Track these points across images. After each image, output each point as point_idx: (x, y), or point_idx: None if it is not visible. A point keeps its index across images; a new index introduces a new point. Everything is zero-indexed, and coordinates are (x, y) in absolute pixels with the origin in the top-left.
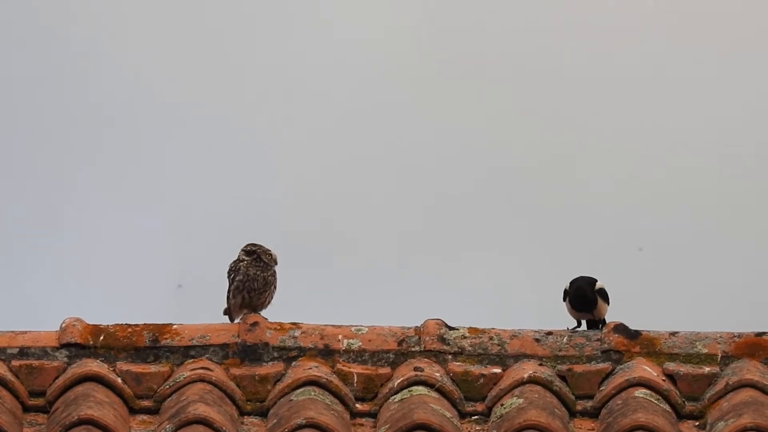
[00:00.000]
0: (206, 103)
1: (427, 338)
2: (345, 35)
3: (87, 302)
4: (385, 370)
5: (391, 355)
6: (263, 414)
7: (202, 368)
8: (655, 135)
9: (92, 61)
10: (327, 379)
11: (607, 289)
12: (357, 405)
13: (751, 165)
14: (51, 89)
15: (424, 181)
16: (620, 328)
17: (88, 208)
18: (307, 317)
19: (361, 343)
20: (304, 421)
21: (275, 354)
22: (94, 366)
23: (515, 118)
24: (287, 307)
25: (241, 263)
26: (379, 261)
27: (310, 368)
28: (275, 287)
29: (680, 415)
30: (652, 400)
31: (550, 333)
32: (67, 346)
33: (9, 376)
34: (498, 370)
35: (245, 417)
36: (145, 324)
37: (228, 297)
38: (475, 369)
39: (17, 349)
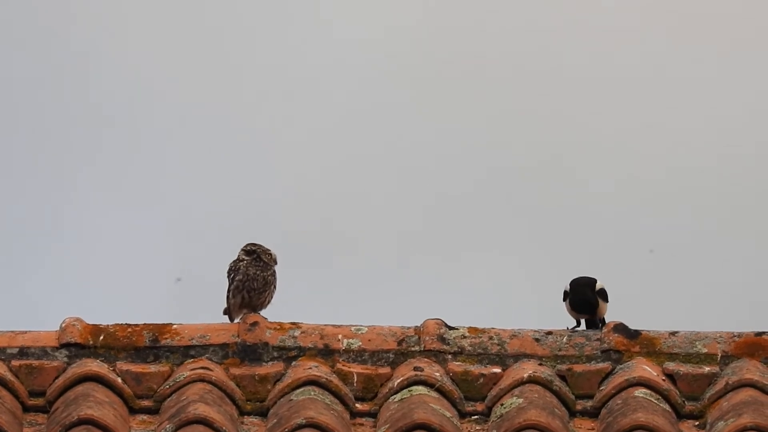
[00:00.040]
0: (206, 103)
1: (427, 338)
2: (345, 35)
3: (87, 302)
4: (384, 370)
5: (390, 355)
6: (263, 414)
7: (202, 368)
8: (655, 135)
9: (92, 61)
10: (327, 378)
11: (606, 289)
12: (357, 405)
13: (751, 165)
14: (51, 89)
15: (424, 181)
16: (620, 328)
17: (88, 208)
18: (307, 317)
19: (360, 343)
20: (304, 421)
21: (275, 354)
22: (94, 366)
23: (515, 118)
24: (287, 307)
25: (241, 263)
26: (379, 261)
27: (310, 368)
28: (275, 287)
29: (680, 415)
30: (652, 399)
31: (549, 333)
32: (67, 345)
33: (9, 376)
34: (498, 370)
35: (245, 417)
36: (144, 324)
37: (228, 297)
38: (475, 369)
39: (17, 349)
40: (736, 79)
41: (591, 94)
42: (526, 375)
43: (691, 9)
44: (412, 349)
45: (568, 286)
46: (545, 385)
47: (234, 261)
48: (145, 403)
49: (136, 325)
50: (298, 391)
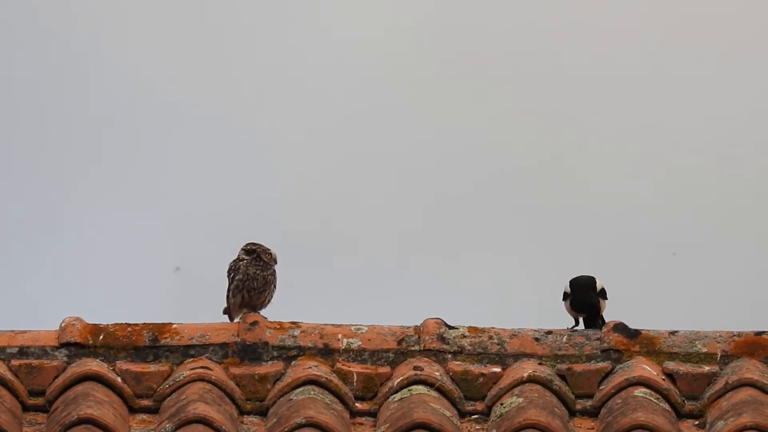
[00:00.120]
0: (206, 103)
1: (427, 337)
2: (345, 35)
3: (87, 302)
4: (384, 370)
5: (390, 355)
6: (263, 413)
7: (202, 367)
8: (655, 135)
9: (92, 61)
10: (327, 378)
11: (605, 287)
12: (357, 404)
13: (751, 165)
14: (51, 89)
15: (424, 181)
16: (620, 328)
17: (88, 208)
18: (307, 317)
19: (360, 343)
20: (303, 421)
21: (275, 353)
22: (94, 365)
23: (515, 118)
24: (287, 306)
25: (241, 262)
26: (379, 261)
27: (310, 367)
28: (275, 286)
29: (680, 414)
30: (652, 399)
31: (549, 332)
32: (66, 345)
33: (8, 375)
34: (498, 370)
35: (245, 416)
36: (144, 323)
37: (228, 296)
38: (475, 368)
39: (17, 349)
40: (736, 79)
41: (591, 94)
42: (525, 374)
43: (691, 9)
44: (412, 348)
45: (568, 286)
46: (545, 384)
47: (234, 260)
48: (145, 402)
49: (136, 325)
50: (298, 390)
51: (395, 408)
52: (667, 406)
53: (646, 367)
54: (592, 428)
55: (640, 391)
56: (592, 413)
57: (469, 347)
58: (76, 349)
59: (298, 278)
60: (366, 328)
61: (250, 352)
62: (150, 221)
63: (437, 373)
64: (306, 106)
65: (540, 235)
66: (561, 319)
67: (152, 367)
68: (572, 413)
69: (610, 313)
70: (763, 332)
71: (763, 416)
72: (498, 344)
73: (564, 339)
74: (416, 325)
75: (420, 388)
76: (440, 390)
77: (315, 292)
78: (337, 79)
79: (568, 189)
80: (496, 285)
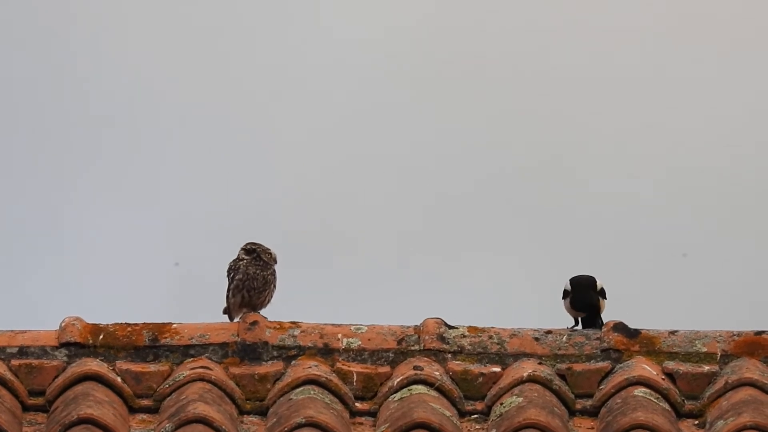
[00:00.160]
0: (206, 103)
1: (427, 337)
2: (345, 35)
3: (87, 302)
4: (384, 369)
5: (390, 354)
6: (263, 413)
7: (202, 367)
8: (655, 135)
9: (92, 61)
10: (326, 378)
11: (605, 287)
12: (356, 404)
13: (751, 165)
14: (51, 89)
15: (424, 181)
16: (620, 327)
17: (88, 208)
18: (307, 317)
19: (360, 342)
20: (303, 420)
21: (275, 353)
22: (94, 365)
23: (515, 118)
24: (287, 306)
25: (241, 262)
26: (379, 261)
27: (310, 367)
28: (275, 286)
29: (680, 414)
30: (652, 398)
31: (549, 332)
32: (66, 345)
33: (8, 375)
34: (497, 369)
35: (245, 416)
36: (144, 323)
37: (228, 296)
38: (475, 368)
39: (17, 349)
40: (736, 79)
41: (591, 94)
42: (525, 374)
43: (691, 9)
44: (412, 348)
45: (568, 285)
46: (545, 384)
47: (234, 260)
48: (145, 402)
49: (136, 325)
50: (298, 390)
51: (395, 408)
52: (666, 406)
53: (646, 366)
54: (592, 428)
55: (639, 391)
56: (592, 413)
57: (469, 347)
58: (76, 349)
59: (298, 278)
60: (366, 327)
61: (250, 351)
62: (150, 221)
63: (437, 373)
64: (306, 106)
65: (540, 235)
66: (561, 318)
67: (152, 367)
68: (572, 413)
69: (610, 312)
70: (763, 332)
71: (763, 416)
72: (498, 344)
73: (564, 339)
74: (416, 325)
75: (420, 388)
76: (440, 390)
77: (315, 292)
78: (337, 79)
79: (568, 189)
80: (496, 285)
